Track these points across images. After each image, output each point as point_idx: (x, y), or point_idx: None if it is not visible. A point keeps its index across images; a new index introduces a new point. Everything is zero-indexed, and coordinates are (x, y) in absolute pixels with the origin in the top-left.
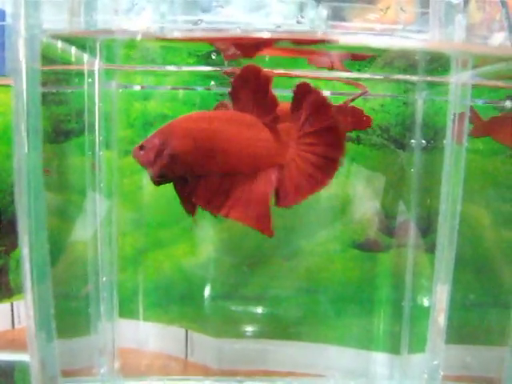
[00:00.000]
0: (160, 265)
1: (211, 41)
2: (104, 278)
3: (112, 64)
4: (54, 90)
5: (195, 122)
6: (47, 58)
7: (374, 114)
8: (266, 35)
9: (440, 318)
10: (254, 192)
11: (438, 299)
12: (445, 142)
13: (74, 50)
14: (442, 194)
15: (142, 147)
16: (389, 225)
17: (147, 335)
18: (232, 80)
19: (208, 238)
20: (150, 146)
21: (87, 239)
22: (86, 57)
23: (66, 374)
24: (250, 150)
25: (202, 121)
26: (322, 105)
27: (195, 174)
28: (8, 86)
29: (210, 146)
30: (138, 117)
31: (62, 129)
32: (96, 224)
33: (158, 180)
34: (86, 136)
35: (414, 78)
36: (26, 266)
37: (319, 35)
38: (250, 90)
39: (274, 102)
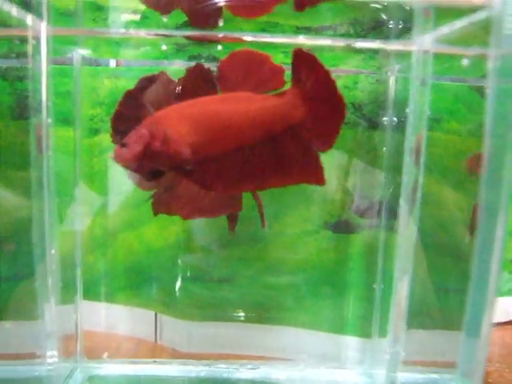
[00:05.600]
0: (130, 246)
1: None
2: (53, 266)
3: (64, 28)
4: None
5: (189, 107)
6: None
7: (348, 92)
8: None
9: (401, 303)
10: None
11: (400, 283)
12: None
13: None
14: (404, 177)
15: (123, 145)
16: (361, 205)
17: (116, 318)
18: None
19: (178, 220)
20: (134, 139)
21: (32, 218)
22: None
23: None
24: (255, 121)
25: (196, 105)
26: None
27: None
28: None
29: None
30: (107, 95)
31: (26, 105)
32: (43, 204)
33: (151, 174)
34: (31, 117)
35: (378, 44)
36: None
37: None
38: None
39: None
